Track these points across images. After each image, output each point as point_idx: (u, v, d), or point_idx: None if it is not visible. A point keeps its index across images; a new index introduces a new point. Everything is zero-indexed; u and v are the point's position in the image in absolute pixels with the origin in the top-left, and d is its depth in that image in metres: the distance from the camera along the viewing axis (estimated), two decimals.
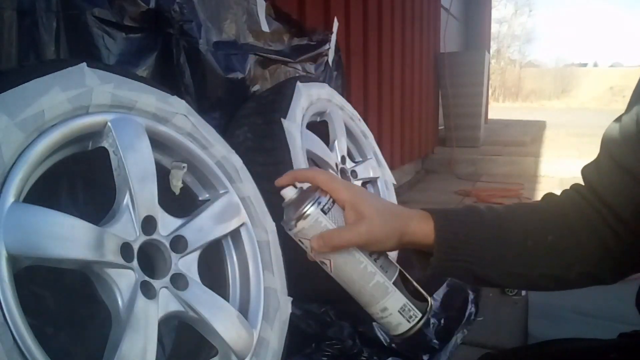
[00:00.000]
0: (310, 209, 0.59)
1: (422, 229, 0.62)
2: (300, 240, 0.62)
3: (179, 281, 0.91)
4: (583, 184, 0.65)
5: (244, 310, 1.03)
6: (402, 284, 0.62)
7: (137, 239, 0.86)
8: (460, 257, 0.62)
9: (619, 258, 0.61)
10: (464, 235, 0.62)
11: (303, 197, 0.61)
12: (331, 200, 0.61)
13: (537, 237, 0.62)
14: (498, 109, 13.59)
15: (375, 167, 1.86)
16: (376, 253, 0.62)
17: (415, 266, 0.66)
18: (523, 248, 0.62)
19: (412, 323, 0.61)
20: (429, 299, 0.64)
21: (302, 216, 0.59)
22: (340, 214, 0.61)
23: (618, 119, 0.61)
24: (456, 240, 0.62)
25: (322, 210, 0.60)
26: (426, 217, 0.63)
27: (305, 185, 0.64)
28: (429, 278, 0.66)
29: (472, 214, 0.65)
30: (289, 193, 0.62)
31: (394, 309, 0.61)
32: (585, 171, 0.64)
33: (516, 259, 0.62)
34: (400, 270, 0.63)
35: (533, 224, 0.63)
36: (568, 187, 0.67)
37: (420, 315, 0.62)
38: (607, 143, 0.61)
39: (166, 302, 0.87)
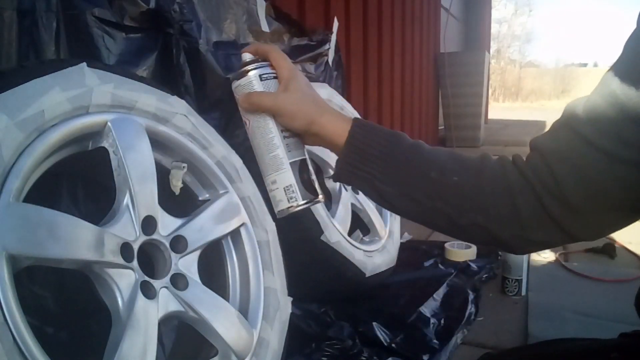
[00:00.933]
0: (251, 71, 0.68)
1: (334, 125, 0.66)
2: (235, 95, 0.70)
3: (179, 281, 0.91)
4: (530, 152, 0.64)
5: (244, 310, 1.03)
6: (299, 169, 0.67)
7: (137, 239, 0.86)
8: (365, 167, 0.64)
9: (527, 225, 0.61)
10: (374, 149, 0.64)
11: (252, 61, 0.69)
12: (274, 74, 0.68)
13: (444, 172, 0.63)
14: (498, 109, 13.60)
15: None
16: (288, 132, 0.68)
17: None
18: (426, 178, 0.63)
19: (291, 204, 0.66)
20: (320, 197, 0.68)
21: (243, 74, 0.68)
22: (275, 87, 0.68)
23: (590, 96, 0.59)
24: (365, 149, 0.64)
25: (260, 76, 0.67)
26: (343, 119, 0.67)
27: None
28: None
29: (393, 135, 0.66)
30: (246, 56, 0.70)
31: (280, 184, 0.67)
32: (537, 141, 0.64)
33: (416, 185, 0.64)
34: (304, 159, 0.69)
35: (445, 162, 0.65)
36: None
37: (301, 201, 0.66)
38: (572, 117, 0.60)
39: (166, 302, 0.87)
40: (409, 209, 0.66)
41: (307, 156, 0.69)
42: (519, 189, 0.61)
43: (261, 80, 0.67)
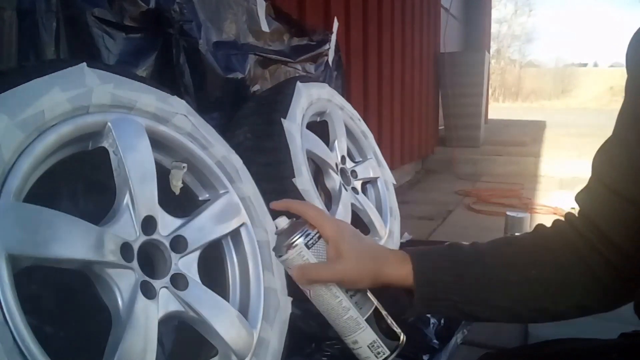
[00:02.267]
0: (297, 241, 0.64)
1: (398, 271, 0.64)
2: (286, 269, 0.66)
3: (179, 281, 0.91)
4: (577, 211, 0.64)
5: (244, 310, 1.03)
6: (375, 321, 0.65)
7: (137, 239, 0.86)
8: (443, 296, 0.63)
9: (611, 287, 0.61)
10: (445, 275, 0.63)
11: (293, 228, 0.65)
12: (317, 235, 0.65)
13: (520, 271, 0.62)
14: (498, 109, 13.59)
15: (375, 167, 1.86)
16: (353, 290, 0.65)
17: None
18: (506, 283, 0.62)
19: (380, 358, 0.65)
20: (401, 337, 0.67)
21: (290, 246, 0.64)
22: (324, 249, 0.65)
23: (605, 144, 0.61)
24: (437, 281, 0.63)
25: (306, 244, 0.64)
26: (402, 260, 0.65)
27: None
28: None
29: (452, 252, 0.66)
30: (282, 223, 0.67)
31: (364, 343, 0.65)
32: (578, 198, 0.64)
33: (501, 294, 0.63)
34: (376, 307, 0.67)
35: (515, 259, 0.64)
36: (562, 217, 0.67)
37: (388, 352, 0.65)
38: (597, 170, 0.61)
39: (166, 302, 0.87)
40: (502, 317, 0.66)
41: (376, 303, 0.67)
42: (584, 249, 0.61)
43: (309, 248, 0.64)
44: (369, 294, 0.67)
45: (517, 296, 0.63)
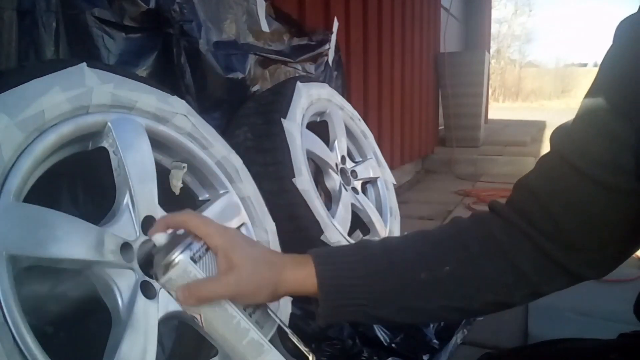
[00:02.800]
0: (179, 257, 0.53)
1: (298, 276, 0.57)
2: (169, 292, 0.56)
3: None
4: (517, 195, 0.59)
5: None
6: (280, 340, 0.59)
7: (137, 239, 0.86)
8: (350, 302, 0.57)
9: (534, 280, 0.57)
10: (350, 278, 0.57)
11: (174, 242, 0.55)
12: (205, 247, 0.55)
13: (433, 268, 0.57)
14: (498, 109, 13.58)
15: (375, 167, 1.86)
16: (252, 307, 0.57)
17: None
18: (417, 281, 0.57)
19: None
20: (310, 356, 0.59)
21: (171, 264, 0.53)
22: (213, 262, 0.55)
23: (567, 122, 0.57)
24: (342, 284, 0.57)
25: (192, 258, 0.54)
26: (304, 263, 0.58)
27: (181, 231, 0.58)
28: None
29: (358, 250, 0.60)
30: (160, 239, 0.56)
31: None
32: (529, 182, 0.59)
33: (411, 293, 0.58)
34: (279, 325, 0.59)
35: (427, 254, 0.59)
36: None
37: None
38: (555, 143, 0.57)
39: (166, 302, 0.87)
40: (415, 318, 0.61)
41: (278, 319, 0.59)
42: (511, 245, 0.56)
43: (195, 262, 0.54)
44: (270, 311, 0.59)
45: (428, 295, 0.58)
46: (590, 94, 0.55)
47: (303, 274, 0.58)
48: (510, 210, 0.58)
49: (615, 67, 0.53)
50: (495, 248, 0.57)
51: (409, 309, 0.59)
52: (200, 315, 0.56)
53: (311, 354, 0.60)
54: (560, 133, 0.57)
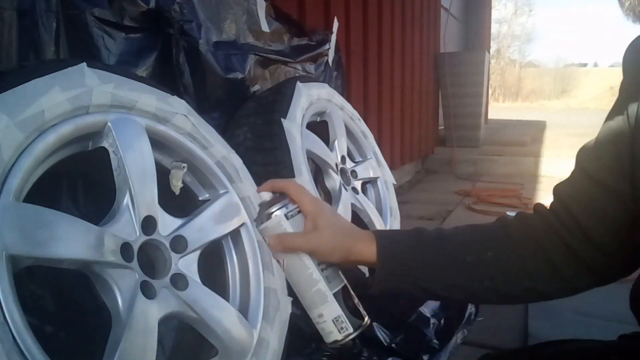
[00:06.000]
0: (276, 212, 0.67)
1: (368, 249, 0.68)
2: (264, 238, 0.69)
3: (179, 281, 0.91)
4: (553, 199, 0.66)
5: (244, 310, 1.03)
6: (342, 297, 0.68)
7: (137, 239, 0.86)
8: (404, 271, 0.67)
9: (568, 276, 0.64)
10: (406, 253, 0.67)
11: (274, 201, 0.68)
12: (297, 209, 0.68)
13: (477, 252, 0.66)
14: (498, 109, 13.59)
15: (375, 167, 1.86)
16: (325, 264, 0.67)
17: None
18: (463, 262, 0.66)
19: (343, 334, 0.66)
20: (366, 318, 0.69)
21: (270, 216, 0.67)
22: (302, 222, 0.68)
23: (591, 141, 0.64)
24: (398, 257, 0.67)
25: (285, 215, 0.67)
26: (372, 239, 0.68)
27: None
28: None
29: (415, 233, 0.70)
30: (265, 196, 0.69)
31: (328, 317, 0.67)
32: (557, 186, 0.66)
33: (457, 273, 0.66)
34: (345, 285, 0.69)
35: (474, 240, 0.67)
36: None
37: (351, 329, 0.66)
38: (581, 162, 0.64)
39: (166, 302, 0.87)
40: (458, 296, 0.69)
41: (346, 281, 0.69)
42: (547, 239, 0.63)
43: (288, 219, 0.67)
44: (340, 273, 0.69)
45: (472, 276, 0.66)
46: (608, 115, 0.61)
47: (372, 248, 0.67)
48: (549, 212, 0.66)
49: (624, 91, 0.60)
50: (534, 241, 0.64)
51: (454, 286, 0.67)
52: (283, 260, 0.68)
53: (367, 317, 0.69)
54: (586, 145, 0.64)
